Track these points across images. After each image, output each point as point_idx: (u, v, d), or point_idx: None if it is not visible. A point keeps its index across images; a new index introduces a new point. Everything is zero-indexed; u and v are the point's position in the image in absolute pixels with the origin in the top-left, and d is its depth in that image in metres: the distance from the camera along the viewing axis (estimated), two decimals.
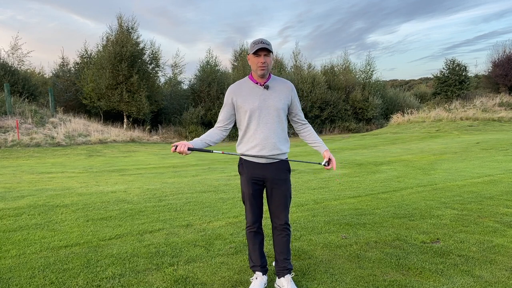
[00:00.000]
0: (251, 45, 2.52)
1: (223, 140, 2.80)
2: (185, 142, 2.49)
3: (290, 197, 2.72)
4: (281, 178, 2.64)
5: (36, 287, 2.77)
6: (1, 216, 4.85)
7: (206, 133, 2.68)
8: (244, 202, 2.74)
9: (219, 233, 4.02)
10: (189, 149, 2.46)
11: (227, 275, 2.95)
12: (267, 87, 2.58)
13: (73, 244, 3.70)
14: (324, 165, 2.64)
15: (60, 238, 3.89)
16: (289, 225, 2.74)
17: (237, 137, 2.74)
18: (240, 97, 2.59)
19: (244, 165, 2.68)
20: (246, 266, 3.11)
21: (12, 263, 3.23)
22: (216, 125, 2.71)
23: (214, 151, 2.64)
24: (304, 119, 2.79)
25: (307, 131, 2.77)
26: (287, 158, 2.72)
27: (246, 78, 2.67)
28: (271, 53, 2.53)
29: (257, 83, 2.60)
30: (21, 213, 4.99)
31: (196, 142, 2.56)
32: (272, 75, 2.66)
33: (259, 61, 2.50)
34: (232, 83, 2.72)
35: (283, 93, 2.62)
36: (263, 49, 2.48)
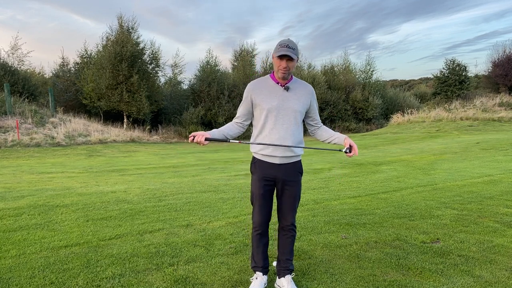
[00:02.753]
0: (277, 46, 2.50)
1: (239, 136, 2.79)
2: (202, 132, 2.49)
3: (299, 199, 2.72)
4: (293, 180, 2.64)
5: (36, 287, 2.76)
6: (1, 216, 4.84)
7: (225, 126, 2.66)
8: (252, 203, 2.70)
9: (219, 233, 4.02)
10: (206, 139, 2.47)
11: (227, 275, 2.95)
12: (287, 89, 2.57)
13: (73, 244, 3.70)
14: (346, 152, 2.56)
15: (60, 238, 3.89)
16: (295, 226, 2.75)
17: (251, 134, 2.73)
18: (259, 95, 2.58)
19: (257, 164, 2.66)
20: (246, 266, 3.11)
21: (12, 263, 3.23)
22: (234, 120, 2.70)
23: (230, 140, 2.61)
24: (320, 122, 2.78)
25: (322, 129, 2.75)
26: (300, 160, 2.72)
27: (267, 76, 2.66)
28: (295, 58, 2.50)
29: (278, 83, 2.59)
30: (21, 213, 4.99)
31: (214, 132, 2.57)
32: (293, 77, 2.65)
33: (281, 65, 2.49)
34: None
35: (303, 96, 2.62)
36: (287, 55, 2.46)
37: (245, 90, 2.66)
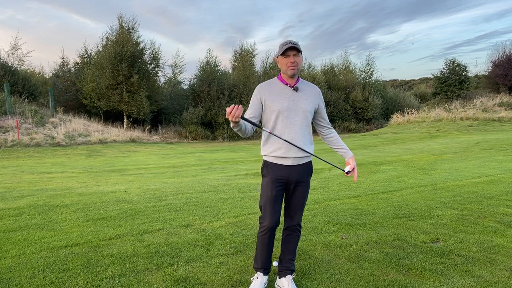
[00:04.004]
0: (280, 46, 2.52)
1: (248, 138, 2.74)
2: (241, 106, 2.30)
3: (307, 199, 2.74)
4: (304, 180, 2.66)
5: (36, 287, 2.76)
6: (1, 216, 4.84)
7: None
8: (261, 207, 2.66)
9: (219, 233, 4.02)
10: (241, 117, 2.35)
11: (227, 275, 2.95)
12: (296, 89, 2.58)
13: (73, 244, 3.70)
14: (346, 172, 2.69)
15: (60, 238, 3.89)
16: (300, 226, 2.76)
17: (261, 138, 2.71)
18: (269, 97, 2.57)
19: (269, 166, 2.64)
20: (246, 266, 3.11)
21: (12, 263, 3.23)
22: None
23: (263, 128, 2.55)
24: (329, 122, 2.79)
25: (333, 136, 2.79)
26: (311, 160, 2.73)
27: (275, 78, 2.66)
28: (300, 53, 2.51)
29: (286, 84, 2.59)
30: (21, 213, 4.99)
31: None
32: (300, 78, 2.66)
33: (288, 61, 2.49)
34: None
35: (311, 97, 2.63)
36: (292, 49, 2.47)
37: (255, 92, 2.63)
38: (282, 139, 2.53)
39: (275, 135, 2.56)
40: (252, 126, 2.54)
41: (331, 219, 4.49)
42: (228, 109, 2.25)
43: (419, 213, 4.70)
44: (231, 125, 2.38)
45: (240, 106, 2.27)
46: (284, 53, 2.50)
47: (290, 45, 2.45)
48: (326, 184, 7.02)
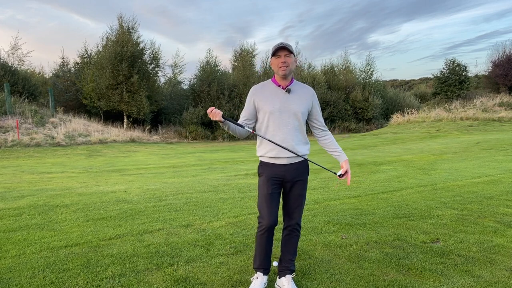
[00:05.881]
0: (272, 48, 2.55)
1: (248, 138, 2.75)
2: (220, 112, 2.45)
3: (305, 198, 2.74)
4: (300, 179, 2.67)
5: (36, 287, 2.76)
6: (1, 216, 4.84)
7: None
8: (259, 207, 2.67)
9: (219, 233, 4.02)
10: (223, 117, 2.46)
11: (227, 275, 2.95)
12: (288, 91, 2.59)
13: (73, 244, 3.70)
14: (339, 175, 2.71)
15: (60, 238, 3.89)
16: (300, 226, 2.76)
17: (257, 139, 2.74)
18: (261, 99, 2.61)
19: (265, 165, 2.67)
20: (246, 266, 3.11)
21: (12, 263, 3.23)
22: (240, 122, 2.66)
23: (245, 127, 2.59)
24: (324, 125, 2.79)
25: (327, 139, 2.78)
26: (307, 159, 2.72)
27: (269, 80, 2.69)
28: (292, 55, 2.53)
29: (279, 86, 2.61)
30: (21, 213, 4.99)
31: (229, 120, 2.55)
32: (294, 79, 2.67)
33: (279, 62, 2.51)
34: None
35: (304, 98, 2.64)
36: (283, 49, 2.50)
37: (249, 94, 2.67)
38: (273, 142, 2.55)
39: (266, 139, 2.58)
40: (245, 126, 2.60)
41: (331, 219, 4.49)
42: (209, 110, 2.43)
43: (419, 213, 4.70)
44: (220, 125, 2.51)
45: (216, 110, 2.41)
46: (275, 54, 2.52)
47: (281, 45, 2.48)
48: (326, 184, 7.02)
